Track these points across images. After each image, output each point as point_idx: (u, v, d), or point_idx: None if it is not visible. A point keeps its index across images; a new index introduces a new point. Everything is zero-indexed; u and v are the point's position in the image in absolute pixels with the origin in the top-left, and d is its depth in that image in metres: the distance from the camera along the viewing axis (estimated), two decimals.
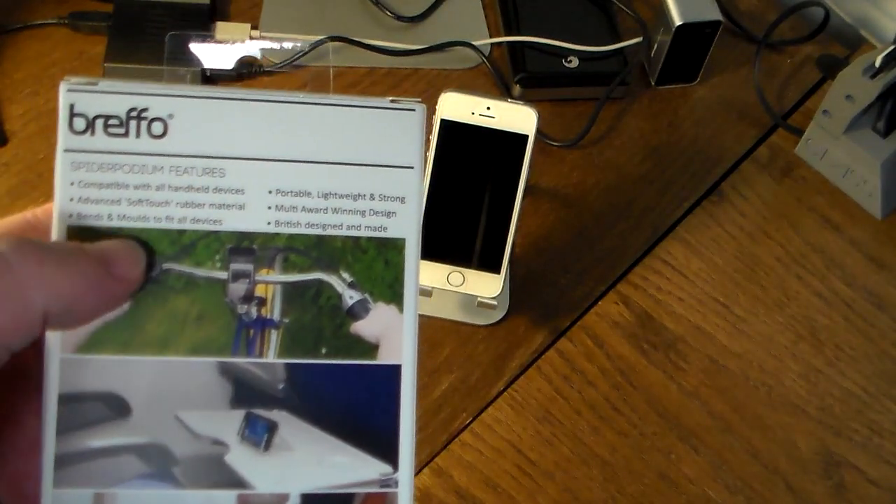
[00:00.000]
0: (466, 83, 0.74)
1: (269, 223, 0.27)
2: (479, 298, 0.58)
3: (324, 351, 0.27)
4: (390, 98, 0.27)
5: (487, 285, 0.58)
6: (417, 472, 0.56)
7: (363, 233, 0.27)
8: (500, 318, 0.62)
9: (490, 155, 0.56)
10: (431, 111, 0.55)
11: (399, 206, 0.27)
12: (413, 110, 0.28)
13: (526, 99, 0.70)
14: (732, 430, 0.60)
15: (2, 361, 0.23)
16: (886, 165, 0.67)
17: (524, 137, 0.55)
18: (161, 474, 0.26)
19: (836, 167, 0.70)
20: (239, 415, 0.26)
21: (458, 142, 0.55)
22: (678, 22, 0.69)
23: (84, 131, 0.26)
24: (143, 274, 0.26)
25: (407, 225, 0.28)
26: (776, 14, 0.77)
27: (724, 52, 0.76)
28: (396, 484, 0.27)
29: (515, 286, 0.63)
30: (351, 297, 0.27)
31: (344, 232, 0.27)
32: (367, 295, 0.27)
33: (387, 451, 0.27)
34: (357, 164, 0.27)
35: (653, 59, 0.74)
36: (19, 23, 0.72)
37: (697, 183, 0.70)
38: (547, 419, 0.59)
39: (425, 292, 0.59)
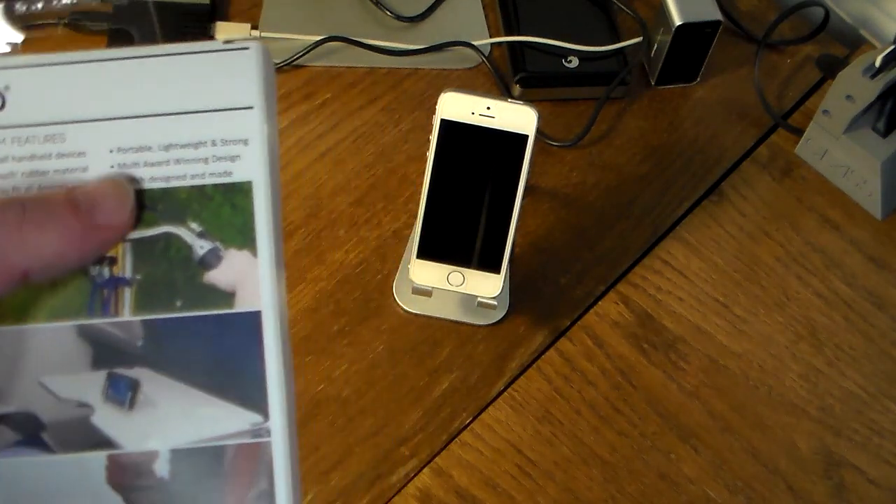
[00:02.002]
0: (466, 83, 0.74)
1: None
2: (479, 298, 0.58)
3: (179, 304, 0.27)
4: (223, 39, 0.27)
5: (487, 285, 0.58)
6: (417, 472, 0.56)
7: (208, 180, 0.27)
8: (500, 318, 0.62)
9: (490, 155, 0.56)
10: (431, 111, 0.55)
11: (242, 148, 0.27)
12: (246, 48, 0.27)
13: (526, 99, 0.70)
14: (732, 430, 0.60)
15: None
16: (886, 165, 0.67)
17: (524, 137, 0.55)
18: (32, 441, 0.26)
19: (836, 167, 0.70)
20: (101, 375, 0.26)
21: (458, 142, 0.55)
22: (678, 22, 0.69)
23: None
24: (131, 216, 0.26)
25: (253, 167, 0.27)
26: (776, 14, 0.77)
27: (724, 52, 0.76)
28: (269, 433, 0.26)
29: (515, 286, 0.63)
30: (201, 247, 0.27)
31: (189, 182, 0.27)
32: (217, 243, 0.27)
33: (255, 400, 0.26)
34: (196, 112, 0.27)
35: (653, 59, 0.74)
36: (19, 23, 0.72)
37: (697, 183, 0.70)
38: (547, 419, 0.59)
39: (425, 292, 0.59)
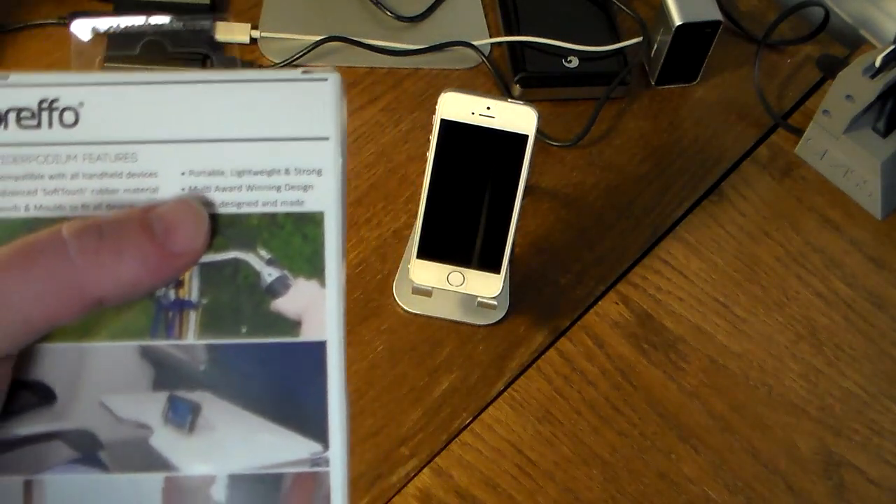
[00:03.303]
0: (466, 83, 0.74)
1: None
2: (479, 298, 0.58)
3: (244, 330, 0.26)
4: (302, 69, 0.27)
5: (487, 285, 0.58)
6: (417, 472, 0.56)
7: (279, 208, 0.26)
8: (500, 318, 0.62)
9: (490, 155, 0.56)
10: (431, 111, 0.55)
11: (316, 178, 0.26)
12: (325, 80, 0.27)
13: (526, 99, 0.69)
14: (732, 430, 0.60)
15: (42, 334, 0.24)
16: (886, 165, 0.67)
17: (524, 137, 0.55)
18: (88, 459, 0.26)
19: (836, 167, 0.70)
20: (162, 397, 0.26)
21: (458, 142, 0.55)
22: (678, 22, 0.69)
23: None
24: (206, 242, 0.26)
25: (325, 197, 0.27)
26: (776, 14, 0.77)
27: (724, 52, 0.76)
28: (327, 462, 0.26)
29: (515, 286, 0.63)
30: (269, 274, 0.26)
31: (259, 209, 0.26)
32: (286, 271, 0.26)
33: (316, 429, 0.26)
34: (271, 140, 0.27)
35: (653, 59, 0.74)
36: (19, 23, 0.72)
37: (697, 183, 0.70)
38: (547, 419, 0.59)
39: (425, 292, 0.59)
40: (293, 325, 0.26)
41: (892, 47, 0.63)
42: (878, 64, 0.63)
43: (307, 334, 0.26)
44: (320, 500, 0.26)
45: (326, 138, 0.27)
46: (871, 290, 0.66)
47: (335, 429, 0.26)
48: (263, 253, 0.26)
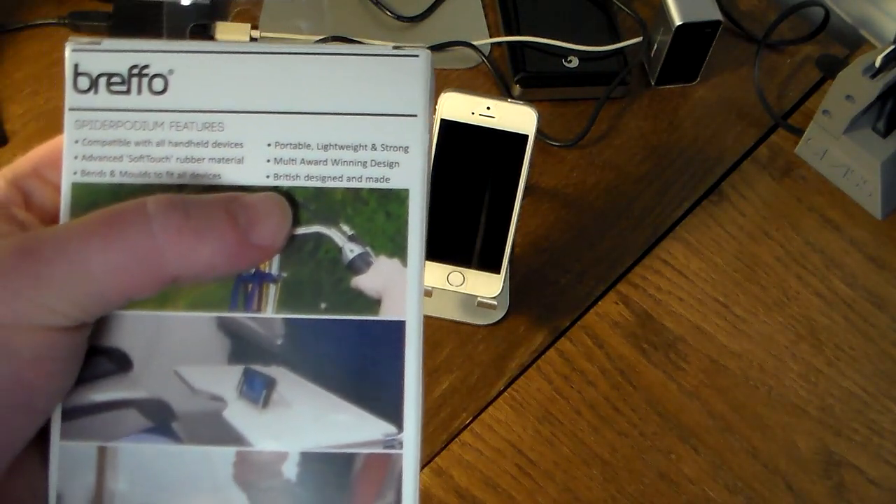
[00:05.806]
0: (466, 83, 0.74)
1: (267, 176, 0.26)
2: (479, 298, 0.58)
3: (323, 306, 0.26)
4: (393, 45, 0.27)
5: (487, 285, 0.58)
6: None
7: (364, 184, 0.26)
8: (500, 317, 0.62)
9: (490, 155, 0.56)
10: (431, 111, 0.55)
11: (402, 155, 0.27)
12: (416, 56, 0.27)
13: (526, 99, 0.70)
14: (732, 430, 0.60)
15: (117, 307, 0.25)
16: (886, 165, 0.67)
17: (524, 137, 0.55)
18: (161, 429, 0.26)
19: (836, 167, 0.70)
20: (237, 370, 0.26)
21: (458, 142, 0.55)
22: (678, 22, 0.69)
23: (88, 90, 0.26)
24: (286, 239, 0.26)
25: (411, 175, 0.27)
26: (776, 14, 0.77)
27: (724, 52, 0.76)
28: (401, 445, 0.26)
29: (515, 286, 0.63)
30: (351, 250, 0.26)
31: (344, 184, 0.26)
32: (368, 248, 0.26)
33: (391, 410, 0.26)
34: (358, 114, 0.26)
35: (653, 58, 0.74)
36: (19, 23, 0.72)
37: (697, 183, 0.70)
38: (547, 419, 0.59)
39: (425, 292, 0.59)
40: (373, 304, 0.26)
41: (892, 47, 0.63)
42: (878, 64, 0.63)
43: (386, 313, 0.27)
44: (391, 482, 0.26)
45: (415, 115, 0.27)
46: (871, 290, 0.66)
47: (410, 411, 0.26)
48: (346, 228, 0.26)
